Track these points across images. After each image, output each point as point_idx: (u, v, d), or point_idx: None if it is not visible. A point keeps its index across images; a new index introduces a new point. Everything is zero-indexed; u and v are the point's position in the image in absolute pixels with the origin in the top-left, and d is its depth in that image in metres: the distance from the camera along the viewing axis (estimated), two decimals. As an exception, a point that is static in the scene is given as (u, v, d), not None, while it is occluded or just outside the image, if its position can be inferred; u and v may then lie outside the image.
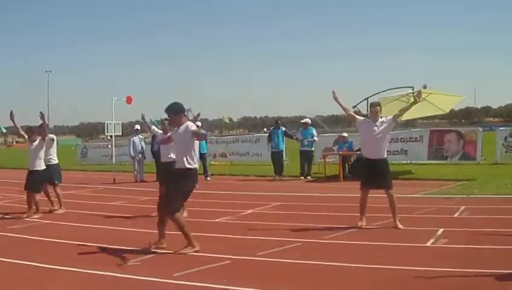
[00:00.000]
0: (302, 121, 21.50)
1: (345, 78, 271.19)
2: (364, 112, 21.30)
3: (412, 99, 18.76)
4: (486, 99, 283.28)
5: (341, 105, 10.39)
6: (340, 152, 19.62)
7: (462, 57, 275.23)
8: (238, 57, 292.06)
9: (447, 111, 20.52)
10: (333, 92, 10.14)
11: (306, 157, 20.23)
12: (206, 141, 20.23)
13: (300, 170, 20.16)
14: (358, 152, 19.32)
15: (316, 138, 20.68)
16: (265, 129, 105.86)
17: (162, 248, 8.05)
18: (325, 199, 13.81)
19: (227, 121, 56.02)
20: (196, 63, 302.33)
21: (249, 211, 11.97)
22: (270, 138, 21.26)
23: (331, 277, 6.50)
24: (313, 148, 20.52)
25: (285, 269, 6.90)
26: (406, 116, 20.84)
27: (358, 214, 9.85)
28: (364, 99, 20.91)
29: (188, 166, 7.97)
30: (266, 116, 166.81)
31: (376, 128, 9.70)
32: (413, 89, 19.50)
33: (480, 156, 21.59)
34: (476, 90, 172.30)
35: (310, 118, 22.45)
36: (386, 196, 9.69)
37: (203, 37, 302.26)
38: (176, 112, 8.16)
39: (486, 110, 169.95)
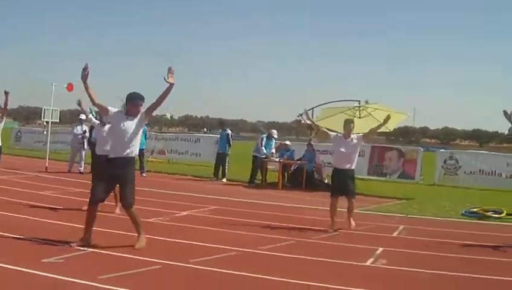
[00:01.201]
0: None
1: (289, 83, 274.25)
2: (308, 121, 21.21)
3: (357, 114, 18.80)
4: (425, 120, 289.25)
5: (313, 123, 12.88)
6: (281, 160, 19.32)
7: (404, 75, 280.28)
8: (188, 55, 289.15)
9: (391, 129, 20.53)
10: (303, 114, 11.25)
11: (259, 164, 19.67)
12: (145, 136, 19.65)
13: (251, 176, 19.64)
14: (298, 161, 19.19)
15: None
16: (204, 129, 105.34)
17: (90, 246, 7.56)
18: (263, 206, 13.50)
19: (169, 117, 55.24)
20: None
21: (184, 212, 11.58)
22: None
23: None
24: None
25: (217, 280, 6.48)
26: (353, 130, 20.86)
27: (329, 219, 10.65)
28: (310, 108, 20.79)
29: (134, 155, 8.01)
30: (207, 117, 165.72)
31: (348, 143, 10.76)
32: (359, 103, 19.49)
33: (420, 175, 21.76)
34: (415, 109, 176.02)
35: (252, 122, 22.16)
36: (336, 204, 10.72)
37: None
38: (143, 99, 8.05)
39: (424, 131, 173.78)
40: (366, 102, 21.23)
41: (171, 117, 60.38)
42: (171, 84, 7.80)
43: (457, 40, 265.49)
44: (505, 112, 10.08)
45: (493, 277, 7.34)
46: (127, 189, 7.89)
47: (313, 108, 20.64)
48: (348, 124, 11.03)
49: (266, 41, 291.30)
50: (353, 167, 10.81)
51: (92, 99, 7.96)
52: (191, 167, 24.25)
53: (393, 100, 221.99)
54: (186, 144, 27.43)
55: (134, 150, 7.97)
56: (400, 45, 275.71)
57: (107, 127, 10.41)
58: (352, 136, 10.85)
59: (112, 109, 8.04)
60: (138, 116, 7.95)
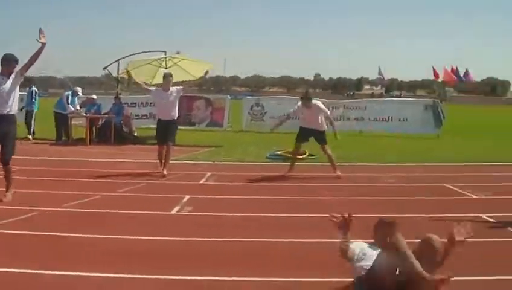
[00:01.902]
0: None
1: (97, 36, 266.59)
2: (115, 73, 20.81)
3: (163, 64, 18.78)
4: (235, 69, 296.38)
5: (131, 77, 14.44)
6: (88, 115, 18.73)
7: (215, 28, 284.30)
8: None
9: (197, 77, 20.77)
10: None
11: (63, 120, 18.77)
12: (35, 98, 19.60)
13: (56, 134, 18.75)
14: (106, 115, 18.77)
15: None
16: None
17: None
18: (70, 163, 13.04)
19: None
20: None
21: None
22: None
23: (58, 250, 5.92)
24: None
25: (18, 242, 6.19)
26: (160, 80, 20.78)
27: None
28: (116, 60, 20.40)
29: (14, 112, 8.35)
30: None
31: (168, 96, 11.57)
32: (165, 54, 19.44)
33: (227, 123, 22.28)
34: (226, 60, 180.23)
35: (61, 78, 21.34)
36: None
37: None
38: (17, 60, 8.32)
39: (235, 79, 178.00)
40: (178, 52, 21.25)
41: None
42: (43, 44, 8.20)
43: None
44: None
45: (297, 215, 7.83)
46: (8, 146, 8.28)
47: (118, 60, 20.26)
48: (167, 77, 11.87)
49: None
50: (175, 118, 11.81)
51: None
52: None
53: (204, 52, 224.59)
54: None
55: (13, 108, 8.26)
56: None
57: None
58: (171, 88, 11.66)
59: None
60: (13, 76, 8.24)
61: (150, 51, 20.55)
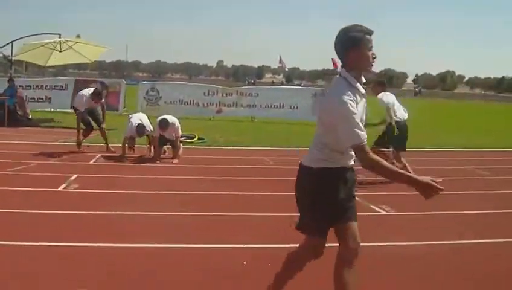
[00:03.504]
0: None
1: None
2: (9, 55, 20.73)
3: (58, 47, 18.92)
4: (137, 55, 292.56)
5: None
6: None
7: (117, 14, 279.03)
8: None
9: (92, 60, 21.08)
10: None
11: None
12: None
13: None
14: (0, 97, 18.71)
15: None
16: None
17: None
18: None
19: None
20: None
21: None
22: None
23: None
24: None
25: None
26: (54, 63, 20.86)
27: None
28: (10, 42, 20.33)
29: None
30: None
31: None
32: (60, 37, 19.57)
33: (123, 107, 22.61)
34: (128, 46, 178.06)
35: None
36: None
37: None
38: None
39: (136, 65, 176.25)
40: (78, 36, 21.38)
41: None
42: None
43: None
44: None
45: (164, 192, 8.53)
46: None
47: (12, 42, 20.21)
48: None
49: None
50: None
51: None
52: None
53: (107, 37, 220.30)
54: None
55: None
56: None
57: None
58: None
59: None
60: None
61: (44, 33, 20.63)
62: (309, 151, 3.69)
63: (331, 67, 58.65)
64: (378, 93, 9.95)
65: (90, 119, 12.87)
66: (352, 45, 3.50)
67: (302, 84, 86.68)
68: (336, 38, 3.57)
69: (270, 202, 8.21)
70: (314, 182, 3.62)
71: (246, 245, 5.77)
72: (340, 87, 3.50)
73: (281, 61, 79.68)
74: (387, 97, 9.96)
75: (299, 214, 3.75)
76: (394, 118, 9.79)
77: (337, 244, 3.67)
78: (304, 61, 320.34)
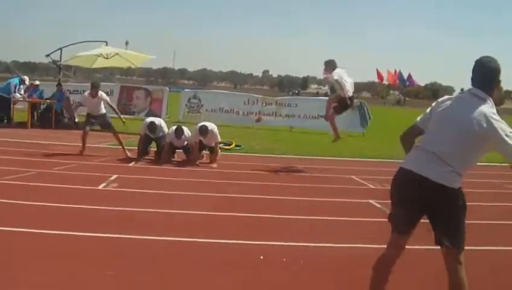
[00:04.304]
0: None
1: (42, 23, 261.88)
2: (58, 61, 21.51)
3: (104, 54, 19.62)
4: (184, 62, 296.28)
5: None
6: (30, 100, 19.47)
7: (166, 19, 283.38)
8: None
9: (137, 66, 21.78)
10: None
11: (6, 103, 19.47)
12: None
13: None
14: (48, 100, 19.54)
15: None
16: None
17: None
18: (9, 143, 13.87)
19: None
20: None
21: None
22: None
23: (3, 212, 7.01)
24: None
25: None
26: (99, 66, 21.57)
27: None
28: (59, 48, 21.08)
29: None
30: None
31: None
32: (106, 44, 20.26)
33: (166, 114, 23.23)
34: (175, 52, 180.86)
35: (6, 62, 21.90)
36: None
37: None
38: None
39: (183, 72, 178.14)
40: (127, 43, 22.16)
41: None
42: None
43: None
44: None
45: (206, 194, 9.00)
46: None
47: (61, 48, 20.98)
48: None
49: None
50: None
51: None
52: None
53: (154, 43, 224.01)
54: None
55: None
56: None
57: None
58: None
59: None
60: None
61: (91, 41, 21.32)
62: (435, 162, 3.97)
63: (376, 79, 58.30)
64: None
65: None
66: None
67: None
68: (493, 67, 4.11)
69: (299, 205, 8.63)
70: (463, 200, 4.00)
71: (267, 242, 6.19)
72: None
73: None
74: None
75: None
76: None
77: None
78: (349, 73, 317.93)
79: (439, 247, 4.01)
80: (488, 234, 7.17)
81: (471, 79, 4.10)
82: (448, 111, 4.05)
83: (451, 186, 3.91)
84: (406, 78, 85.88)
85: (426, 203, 3.99)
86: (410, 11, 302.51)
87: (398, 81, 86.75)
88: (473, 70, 4.10)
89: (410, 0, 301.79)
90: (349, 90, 12.45)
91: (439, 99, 4.21)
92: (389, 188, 4.20)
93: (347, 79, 12.39)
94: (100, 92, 13.10)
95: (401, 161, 4.19)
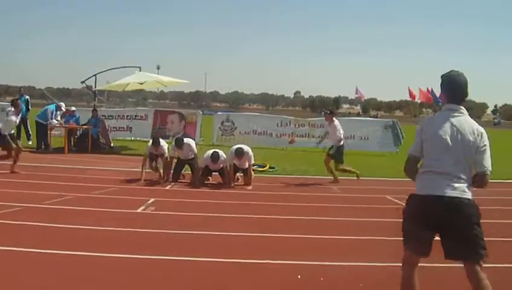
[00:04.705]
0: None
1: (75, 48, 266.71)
2: (93, 87, 21.97)
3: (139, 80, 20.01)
4: (215, 85, 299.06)
5: None
6: (67, 126, 19.84)
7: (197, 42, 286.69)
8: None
9: (168, 85, 22.20)
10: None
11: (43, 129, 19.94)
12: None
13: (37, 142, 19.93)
14: (85, 126, 19.91)
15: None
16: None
17: None
18: (47, 169, 14.15)
19: None
20: None
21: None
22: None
23: (43, 235, 7.25)
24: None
25: (7, 228, 7.46)
26: (131, 88, 21.96)
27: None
28: (93, 75, 21.54)
29: None
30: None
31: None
32: (140, 69, 20.65)
33: (200, 137, 23.44)
34: (207, 74, 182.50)
35: (41, 89, 22.55)
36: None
37: None
38: None
39: (215, 95, 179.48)
40: (158, 68, 22.55)
41: None
42: None
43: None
44: None
45: (240, 215, 9.11)
46: None
47: (95, 74, 21.45)
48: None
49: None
50: None
51: None
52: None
53: (185, 66, 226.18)
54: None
55: None
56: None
57: None
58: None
59: None
60: None
61: (125, 67, 21.77)
62: (451, 181, 4.23)
63: (408, 98, 58.07)
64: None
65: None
66: None
67: (378, 116, 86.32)
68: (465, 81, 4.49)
69: (335, 225, 8.69)
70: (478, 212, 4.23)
71: (306, 262, 6.26)
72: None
73: (357, 91, 79.47)
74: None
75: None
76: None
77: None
78: (381, 92, 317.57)
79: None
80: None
81: (447, 95, 4.48)
82: (441, 131, 4.31)
83: (468, 197, 4.21)
84: (438, 95, 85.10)
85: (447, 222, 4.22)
86: (441, 32, 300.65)
87: (432, 97, 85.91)
88: (446, 86, 4.48)
89: (441, 21, 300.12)
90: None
91: (424, 124, 4.50)
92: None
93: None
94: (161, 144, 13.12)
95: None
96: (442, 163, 4.24)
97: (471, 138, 4.24)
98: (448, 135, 4.25)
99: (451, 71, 4.49)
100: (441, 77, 4.52)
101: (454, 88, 4.44)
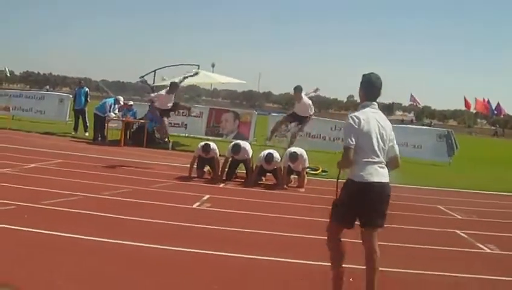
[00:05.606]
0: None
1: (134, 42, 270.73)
2: (151, 83, 22.32)
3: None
4: (269, 84, 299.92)
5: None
6: (124, 119, 20.22)
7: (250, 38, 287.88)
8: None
9: (223, 82, 22.35)
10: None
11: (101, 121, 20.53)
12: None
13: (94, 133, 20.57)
14: (141, 121, 20.28)
15: None
16: (47, 87, 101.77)
17: None
18: (104, 160, 14.50)
19: (8, 74, 53.95)
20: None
21: (32, 165, 12.36)
22: (74, 97, 22.91)
23: (102, 224, 7.56)
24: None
25: (70, 217, 7.76)
26: (184, 83, 22.29)
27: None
28: (152, 71, 21.90)
29: None
30: (50, 74, 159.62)
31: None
32: (199, 68, 20.89)
33: (253, 137, 23.58)
34: (261, 74, 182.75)
35: (96, 81, 23.17)
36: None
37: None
38: None
39: (267, 96, 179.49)
40: (213, 65, 22.83)
41: (10, 73, 58.78)
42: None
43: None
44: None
45: (292, 216, 9.22)
46: None
47: (154, 70, 21.80)
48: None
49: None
50: None
51: None
52: (35, 124, 24.25)
53: (240, 65, 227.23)
54: (31, 101, 26.98)
55: None
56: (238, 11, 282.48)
57: None
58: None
59: None
60: None
61: (184, 64, 21.99)
62: (383, 168, 5.18)
63: (463, 107, 57.01)
64: None
65: None
66: None
67: (432, 124, 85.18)
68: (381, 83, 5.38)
69: (381, 233, 8.67)
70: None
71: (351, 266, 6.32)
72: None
73: (412, 98, 78.54)
74: None
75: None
76: None
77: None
78: (436, 100, 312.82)
79: None
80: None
81: (365, 94, 5.33)
82: (372, 126, 5.14)
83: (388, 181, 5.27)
84: (494, 107, 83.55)
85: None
86: (502, 39, 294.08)
87: (488, 107, 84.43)
88: (366, 85, 5.34)
89: (501, 28, 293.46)
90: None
91: (356, 120, 5.16)
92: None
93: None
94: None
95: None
96: (377, 153, 5.12)
97: (388, 130, 5.21)
98: (377, 129, 5.13)
99: (371, 73, 5.35)
100: (363, 76, 5.35)
101: (372, 88, 5.32)
